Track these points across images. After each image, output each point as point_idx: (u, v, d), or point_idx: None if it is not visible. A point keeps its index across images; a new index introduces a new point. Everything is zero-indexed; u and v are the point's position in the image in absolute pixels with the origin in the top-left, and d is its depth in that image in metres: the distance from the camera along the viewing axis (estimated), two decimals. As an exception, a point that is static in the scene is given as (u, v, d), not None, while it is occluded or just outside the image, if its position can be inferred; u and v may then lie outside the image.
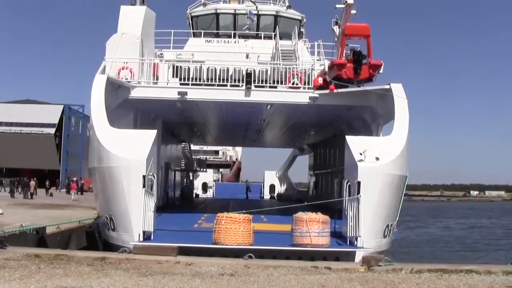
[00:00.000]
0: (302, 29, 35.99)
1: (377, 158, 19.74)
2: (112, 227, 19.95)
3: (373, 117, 26.50)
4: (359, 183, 19.25)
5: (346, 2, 23.32)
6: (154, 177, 19.82)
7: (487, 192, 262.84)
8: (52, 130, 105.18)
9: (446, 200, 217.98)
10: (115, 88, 24.02)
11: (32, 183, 55.58)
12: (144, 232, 18.81)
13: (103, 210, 21.48)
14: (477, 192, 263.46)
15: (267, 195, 66.43)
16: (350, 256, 18.12)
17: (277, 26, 33.54)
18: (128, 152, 19.37)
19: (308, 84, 26.09)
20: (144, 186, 18.84)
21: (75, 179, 74.15)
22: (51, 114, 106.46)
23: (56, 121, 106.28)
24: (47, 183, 69.23)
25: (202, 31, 34.21)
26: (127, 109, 25.92)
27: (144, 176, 18.87)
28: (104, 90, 22.00)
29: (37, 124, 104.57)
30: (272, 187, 67.04)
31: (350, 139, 21.06)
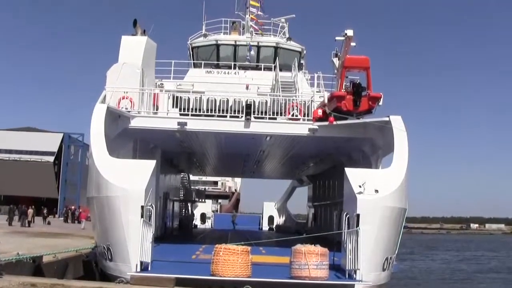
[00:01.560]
0: (302, 61, 36.21)
1: (377, 191, 19.66)
2: (110, 257, 19.80)
3: (372, 149, 26.52)
4: (358, 215, 19.14)
5: (346, 34, 23.41)
6: (152, 207, 19.72)
7: (487, 225, 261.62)
8: (51, 158, 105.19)
9: (446, 233, 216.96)
10: (115, 118, 24.08)
11: (30, 211, 55.36)
12: (141, 263, 18.65)
13: (100, 239, 21.34)
14: (477, 225, 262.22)
15: (265, 227, 66.17)
16: (349, 290, 17.96)
17: (277, 58, 33.74)
18: (126, 182, 19.30)
19: (308, 115, 26.11)
20: (142, 217, 18.74)
21: (73, 207, 73.82)
22: (51, 142, 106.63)
23: (55, 149, 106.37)
24: (44, 211, 68.94)
25: (203, 62, 34.40)
26: (126, 139, 25.94)
27: (142, 207, 18.78)
28: (104, 119, 22.03)
29: (36, 152, 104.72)
30: (271, 219, 66.80)
31: (350, 171, 20.99)
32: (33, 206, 61.87)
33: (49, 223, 61.67)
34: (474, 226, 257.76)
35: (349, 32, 23.30)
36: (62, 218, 75.44)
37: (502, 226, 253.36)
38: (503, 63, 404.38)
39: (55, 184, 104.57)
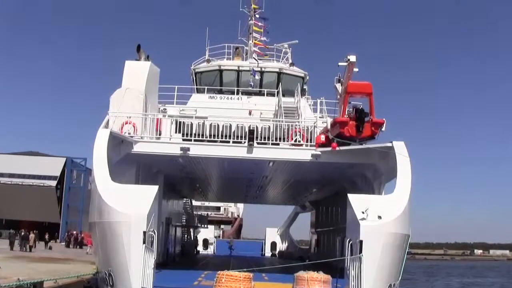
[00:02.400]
0: (305, 86, 36.31)
1: (380, 217, 19.57)
2: (111, 283, 19.65)
3: (375, 175, 26.47)
4: (361, 242, 19.03)
5: (349, 60, 23.39)
6: (154, 233, 19.62)
7: (491, 251, 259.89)
8: (53, 183, 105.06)
9: (450, 259, 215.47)
10: (117, 143, 24.13)
11: (32, 235, 55.23)
12: (143, 289, 18.54)
13: (102, 265, 21.21)
14: (481, 251, 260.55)
15: (268, 253, 65.83)
16: (352, 317, 17.81)
17: (280, 83, 33.87)
18: (129, 208, 19.22)
19: (311, 141, 26.14)
20: (144, 242, 18.65)
21: (75, 232, 73.55)
22: (53, 166, 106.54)
23: (58, 173, 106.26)
24: (46, 236, 68.69)
25: (206, 87, 34.53)
26: (129, 164, 25.95)
27: (144, 232, 18.70)
28: (107, 144, 22.05)
29: (38, 176, 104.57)
30: (273, 245, 66.50)
31: (352, 197, 20.90)
32: (35, 231, 61.72)
33: (50, 248, 61.46)
34: (478, 252, 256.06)
35: (352, 58, 23.31)
36: (64, 243, 75.14)
37: (506, 252, 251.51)
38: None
39: (57, 208, 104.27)
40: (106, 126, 24.21)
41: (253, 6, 38.58)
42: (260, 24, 38.50)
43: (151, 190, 20.41)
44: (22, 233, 56.52)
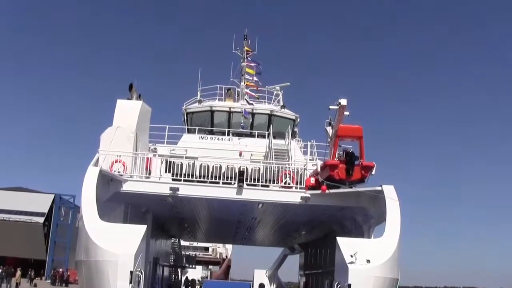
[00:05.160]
0: (295, 129, 36.47)
1: (368, 261, 19.51)
2: (96, 323, 19.37)
3: (365, 218, 26.40)
4: (349, 285, 18.93)
5: (340, 103, 23.59)
6: (141, 273, 19.43)
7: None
8: (41, 219, 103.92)
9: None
10: (107, 181, 24.01)
11: (18, 272, 54.45)
12: (127, 330, 18.25)
13: (87, 305, 20.92)
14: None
15: (256, 294, 65.03)
16: None
17: (271, 125, 34.03)
18: (116, 247, 19.09)
19: (300, 183, 26.11)
20: (131, 282, 18.46)
21: (61, 270, 72.57)
22: (41, 203, 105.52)
23: (45, 210, 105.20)
24: (31, 273, 67.72)
25: (197, 128, 34.61)
26: (118, 202, 25.78)
27: (131, 272, 18.52)
28: (96, 182, 21.97)
29: (26, 212, 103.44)
30: (261, 286, 65.67)
31: (341, 241, 20.88)
32: (20, 268, 60.86)
33: (35, 285, 60.60)
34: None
35: (343, 101, 23.51)
36: (50, 281, 74.08)
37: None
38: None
39: (44, 245, 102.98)
40: (96, 164, 24.08)
41: (245, 48, 38.98)
42: (252, 65, 38.84)
43: (139, 229, 20.32)
44: (7, 270, 55.72)
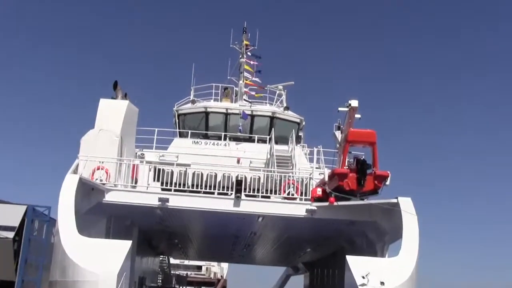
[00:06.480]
0: (300, 133, 36.44)
1: (382, 283, 19.48)
2: None
3: (378, 235, 26.33)
4: (360, 311, 18.92)
5: (350, 105, 23.37)
6: (125, 294, 19.45)
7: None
8: (11, 234, 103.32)
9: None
10: (87, 190, 24.00)
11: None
12: None
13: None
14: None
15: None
16: None
17: (273, 129, 34.04)
18: (97, 265, 19.07)
19: (306, 195, 26.04)
20: (113, 305, 18.46)
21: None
22: (12, 215, 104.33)
23: (16, 223, 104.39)
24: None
25: (189, 131, 34.62)
26: (99, 215, 25.76)
27: (114, 294, 18.52)
28: (75, 192, 21.95)
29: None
30: (261, 311, 65.85)
31: (351, 260, 20.85)
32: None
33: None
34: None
35: (354, 103, 23.30)
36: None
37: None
38: None
39: (13, 264, 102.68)
40: (75, 172, 24.06)
41: (244, 42, 39.07)
42: (252, 62, 38.86)
43: (124, 246, 20.35)
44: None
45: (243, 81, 37.76)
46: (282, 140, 33.22)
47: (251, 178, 27.13)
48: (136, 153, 30.14)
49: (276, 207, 25.97)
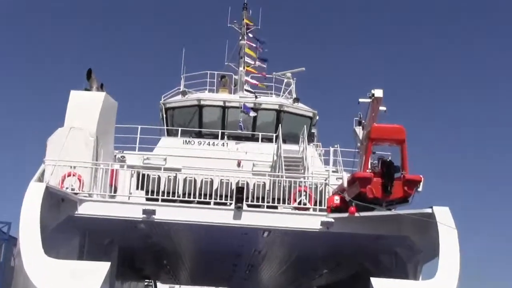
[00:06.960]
0: (313, 130, 36.43)
1: (416, 311, 19.35)
2: None
3: (409, 252, 26.17)
4: None
5: (373, 95, 23.47)
6: (102, 328, 19.28)
7: None
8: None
9: None
10: (56, 202, 23.77)
11: None
12: None
13: None
14: None
15: None
16: None
17: (280, 125, 33.98)
18: (68, 293, 18.95)
19: (320, 204, 25.88)
20: None
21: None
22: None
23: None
24: None
25: (180, 129, 34.57)
26: (71, 231, 25.56)
27: (88, 327, 18.36)
28: (40, 204, 21.71)
29: None
30: None
31: (377, 282, 20.87)
32: None
33: None
34: None
35: (377, 93, 23.40)
36: None
37: None
38: None
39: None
40: (41, 179, 23.92)
41: (245, 21, 39.06)
42: (254, 45, 38.78)
43: (100, 268, 20.24)
44: None
45: (243, 68, 37.80)
46: (291, 138, 33.27)
47: (254, 184, 27.02)
48: (116, 155, 30.20)
49: (284, 219, 25.73)
